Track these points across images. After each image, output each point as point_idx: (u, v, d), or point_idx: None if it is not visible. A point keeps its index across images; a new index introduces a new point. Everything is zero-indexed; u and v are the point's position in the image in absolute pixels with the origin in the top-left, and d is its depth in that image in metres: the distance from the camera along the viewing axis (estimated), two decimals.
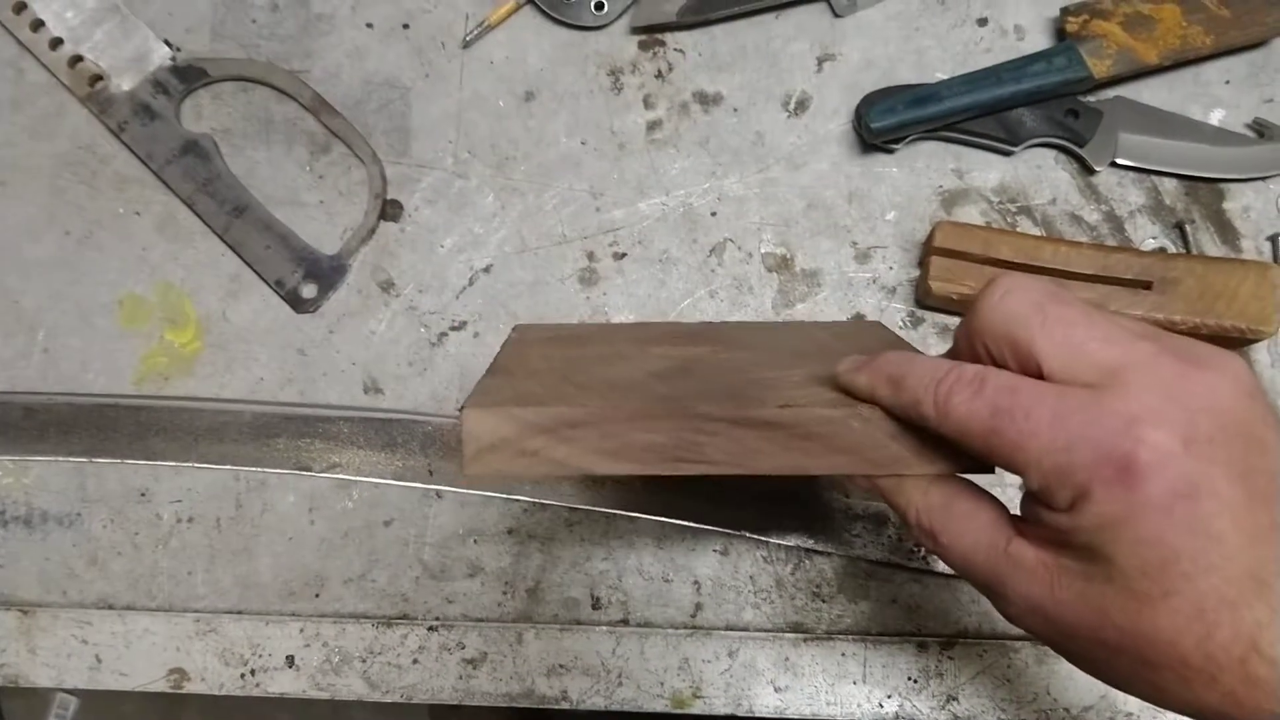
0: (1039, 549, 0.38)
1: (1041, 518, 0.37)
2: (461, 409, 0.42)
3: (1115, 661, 0.36)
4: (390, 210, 0.72)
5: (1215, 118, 0.71)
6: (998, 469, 0.39)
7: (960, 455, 0.41)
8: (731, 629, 0.66)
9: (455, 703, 0.67)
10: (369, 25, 0.74)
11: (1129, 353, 0.36)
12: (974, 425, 0.38)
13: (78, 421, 0.70)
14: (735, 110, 0.72)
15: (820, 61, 0.73)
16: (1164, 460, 0.34)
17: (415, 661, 0.67)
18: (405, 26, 0.74)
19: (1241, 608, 0.33)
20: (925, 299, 0.67)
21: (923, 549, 0.65)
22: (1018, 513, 0.40)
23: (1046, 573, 0.37)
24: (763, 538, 0.66)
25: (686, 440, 0.43)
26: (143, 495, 0.69)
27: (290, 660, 0.67)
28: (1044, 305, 0.38)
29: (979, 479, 0.42)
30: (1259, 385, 0.36)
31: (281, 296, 0.71)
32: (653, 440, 0.43)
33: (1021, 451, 0.36)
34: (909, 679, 0.65)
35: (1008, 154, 0.70)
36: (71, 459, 0.70)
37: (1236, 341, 0.64)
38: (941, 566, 0.65)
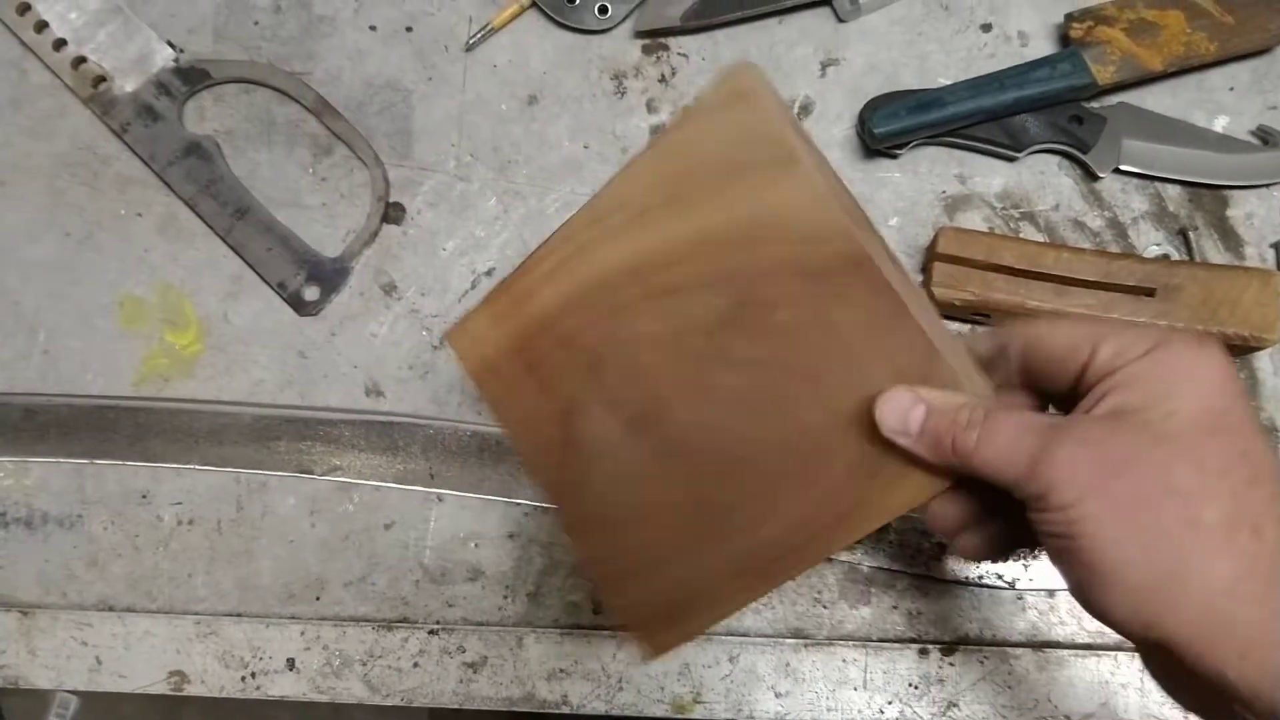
0: (1095, 411, 0.38)
1: (1097, 389, 0.39)
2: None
3: (1171, 494, 0.36)
4: (392, 213, 0.72)
5: (1219, 124, 0.70)
6: None
7: None
8: (732, 634, 0.66)
9: (456, 706, 0.67)
10: (372, 28, 0.74)
11: (1123, 351, 0.39)
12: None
13: (78, 423, 0.70)
14: None
15: (824, 66, 0.73)
16: (1218, 348, 0.38)
17: (416, 665, 0.67)
18: (408, 29, 0.74)
19: (1272, 469, 0.36)
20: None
21: (923, 557, 0.65)
22: None
23: (1103, 419, 0.38)
24: None
25: None
26: (143, 497, 0.69)
27: (291, 663, 0.67)
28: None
29: None
30: (1232, 371, 0.38)
31: (283, 299, 0.71)
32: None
33: (1106, 326, 0.40)
34: (910, 685, 0.65)
35: (1011, 160, 0.70)
36: (72, 460, 0.70)
37: (1239, 349, 0.64)
38: (942, 572, 0.65)
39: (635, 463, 0.48)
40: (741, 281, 0.43)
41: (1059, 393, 0.42)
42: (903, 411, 0.41)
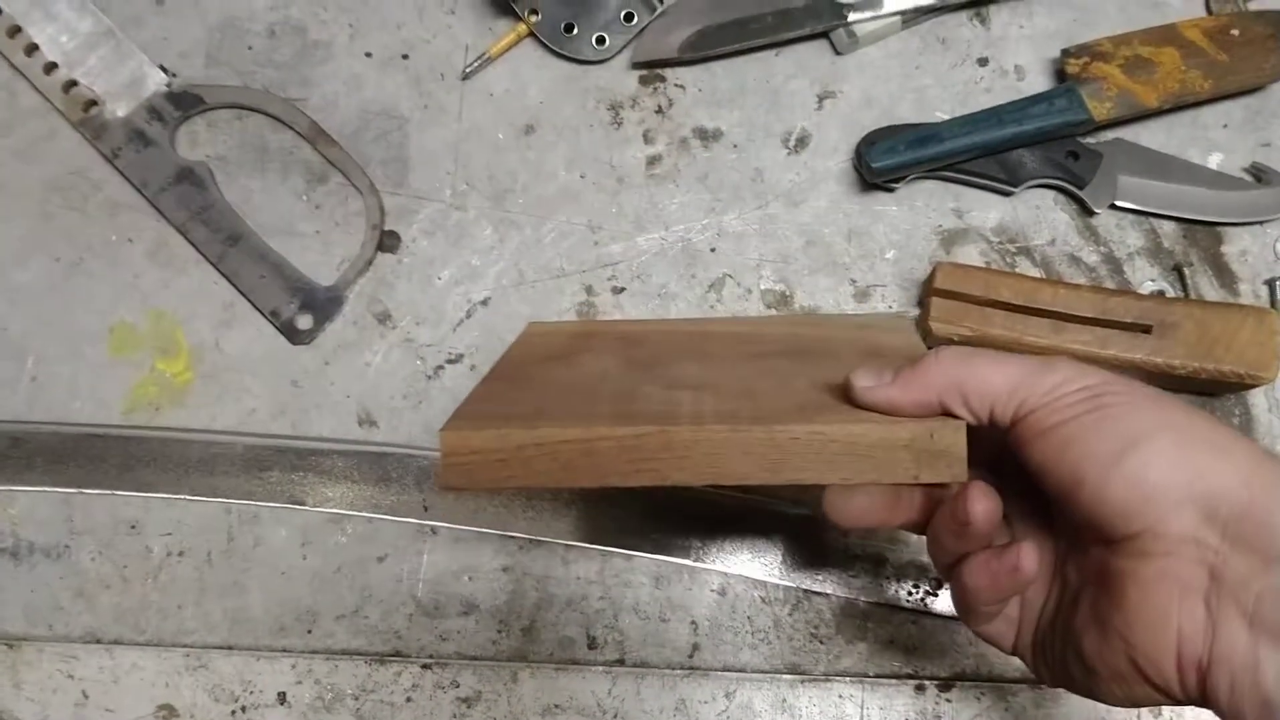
0: None
1: None
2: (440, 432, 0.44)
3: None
4: (387, 241, 0.71)
5: (1213, 161, 0.71)
6: None
7: None
8: (729, 670, 0.66)
9: None
10: (367, 54, 0.74)
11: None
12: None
13: (66, 452, 0.69)
14: (735, 146, 0.72)
15: (820, 99, 0.73)
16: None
17: (409, 700, 0.66)
18: (404, 56, 0.74)
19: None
20: (925, 339, 0.67)
21: (920, 591, 0.65)
22: None
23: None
24: (761, 578, 0.66)
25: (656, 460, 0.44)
26: (132, 527, 0.68)
27: (282, 697, 0.66)
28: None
29: None
30: None
31: (276, 327, 0.70)
32: (619, 466, 0.44)
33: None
34: None
35: (1007, 194, 0.70)
36: (59, 490, 0.69)
37: (1235, 386, 0.64)
38: (939, 607, 0.65)
39: (613, 371, 0.53)
40: (803, 347, 0.56)
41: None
42: (875, 371, 0.43)
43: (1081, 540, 0.42)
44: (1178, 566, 0.37)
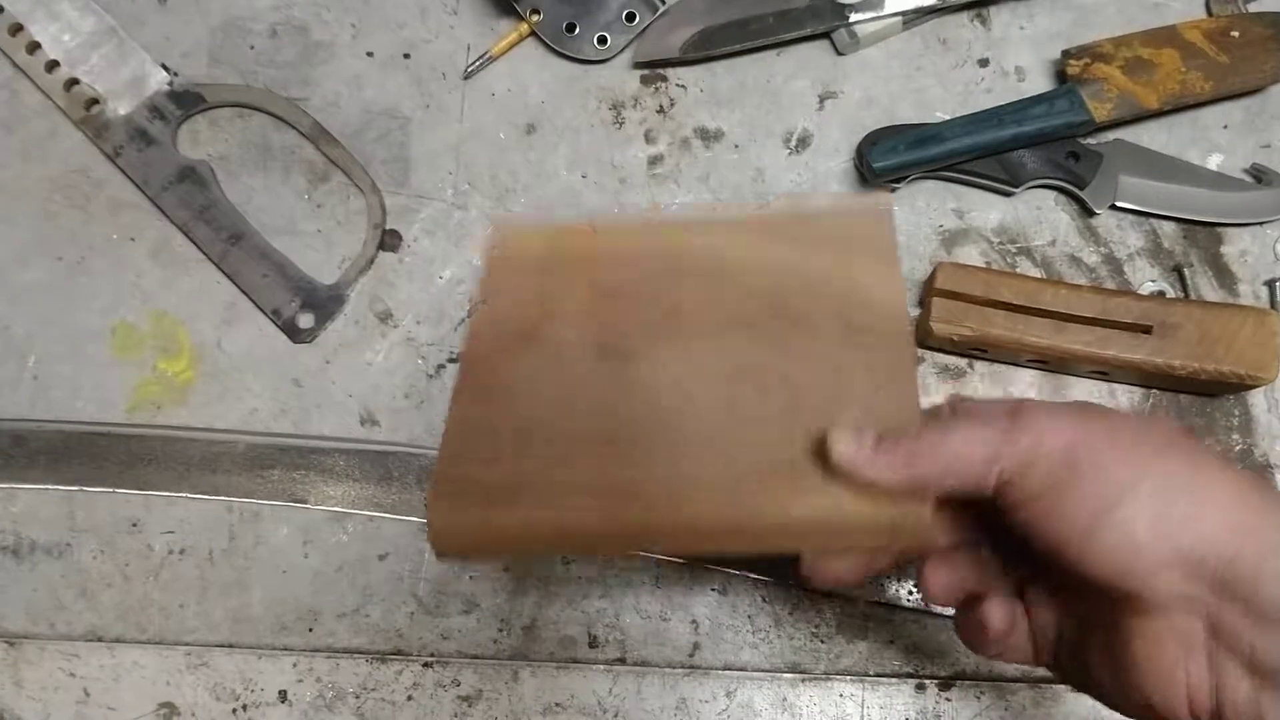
0: None
1: None
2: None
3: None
4: (389, 240, 0.72)
5: (1213, 162, 0.71)
6: None
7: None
8: (729, 669, 0.66)
9: None
10: (369, 54, 0.74)
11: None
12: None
13: (68, 450, 0.69)
14: (736, 146, 0.72)
15: (822, 99, 0.73)
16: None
17: (409, 698, 0.66)
18: (406, 56, 0.74)
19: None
20: (926, 339, 0.67)
21: (920, 591, 0.65)
22: None
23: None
24: (762, 577, 0.66)
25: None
26: (134, 526, 0.68)
27: (283, 695, 0.67)
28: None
29: None
30: None
31: (278, 326, 0.70)
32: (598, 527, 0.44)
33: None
34: None
35: (1008, 195, 0.70)
36: (61, 488, 0.69)
37: (1235, 387, 0.65)
38: (939, 607, 0.65)
39: (587, 377, 0.48)
40: (781, 303, 0.48)
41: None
42: (855, 436, 0.41)
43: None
44: (1175, 623, 0.37)
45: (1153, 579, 0.36)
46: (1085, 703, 0.65)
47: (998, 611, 0.43)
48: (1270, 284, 0.69)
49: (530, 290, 0.52)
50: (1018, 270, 0.70)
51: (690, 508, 0.43)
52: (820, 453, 0.42)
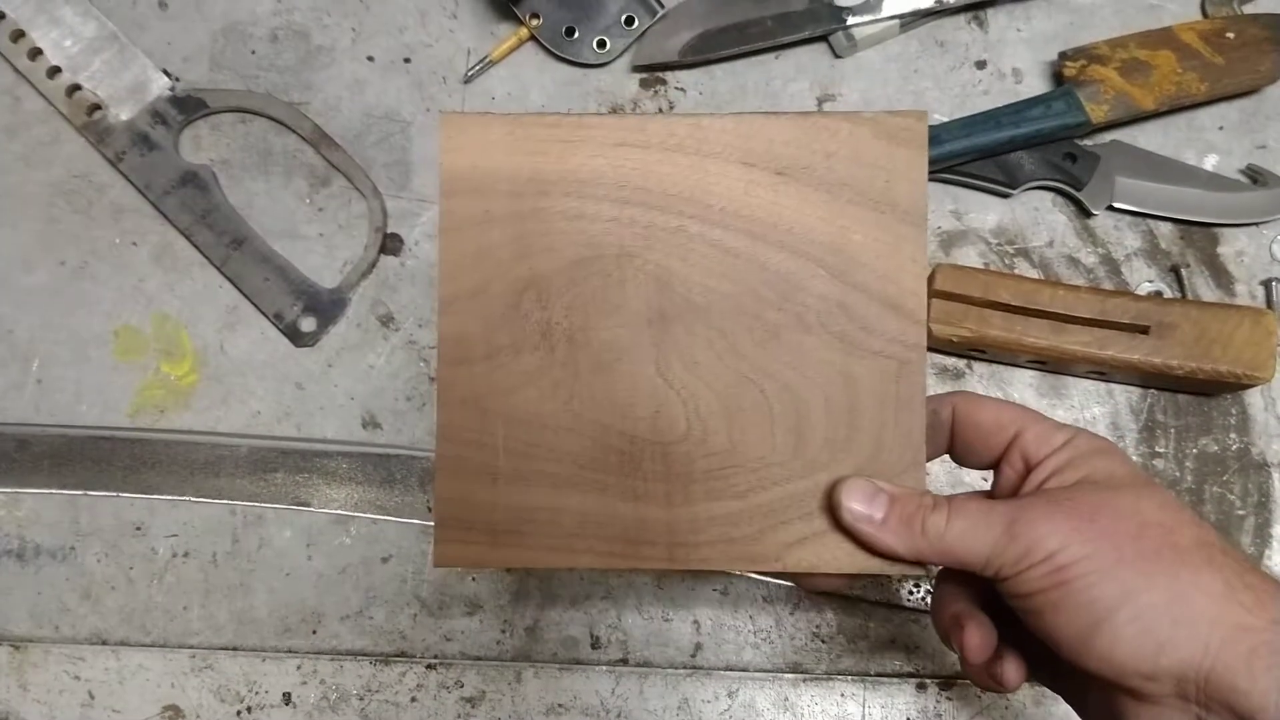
0: (1046, 487, 0.43)
1: (1036, 471, 0.43)
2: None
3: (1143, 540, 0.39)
4: (390, 244, 0.72)
5: (1209, 163, 0.72)
6: None
7: None
8: (731, 669, 0.66)
9: None
10: (370, 58, 0.74)
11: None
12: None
13: (72, 454, 0.69)
14: None
15: (820, 102, 0.73)
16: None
17: (413, 700, 0.67)
18: (406, 60, 0.74)
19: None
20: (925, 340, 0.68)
21: (920, 591, 0.66)
22: None
23: (1059, 491, 0.42)
24: (763, 578, 0.66)
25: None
26: (137, 529, 0.69)
27: (287, 698, 0.67)
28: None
29: None
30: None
31: (280, 330, 0.71)
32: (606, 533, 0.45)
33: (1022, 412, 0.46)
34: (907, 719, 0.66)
35: (1006, 196, 0.71)
36: (65, 492, 0.69)
37: (1232, 386, 0.65)
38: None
39: (577, 388, 0.45)
40: (790, 286, 0.44)
41: (984, 465, 0.47)
42: (867, 497, 0.43)
43: None
44: (1169, 713, 0.38)
45: (1144, 685, 0.38)
46: None
47: (1013, 671, 0.44)
48: (1266, 284, 0.69)
49: (501, 239, 0.45)
50: (1016, 271, 0.70)
51: (698, 554, 0.44)
52: (829, 501, 0.43)
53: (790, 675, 0.66)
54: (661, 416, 0.45)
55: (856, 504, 0.42)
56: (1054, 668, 0.43)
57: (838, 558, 0.44)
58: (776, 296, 0.44)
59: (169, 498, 0.69)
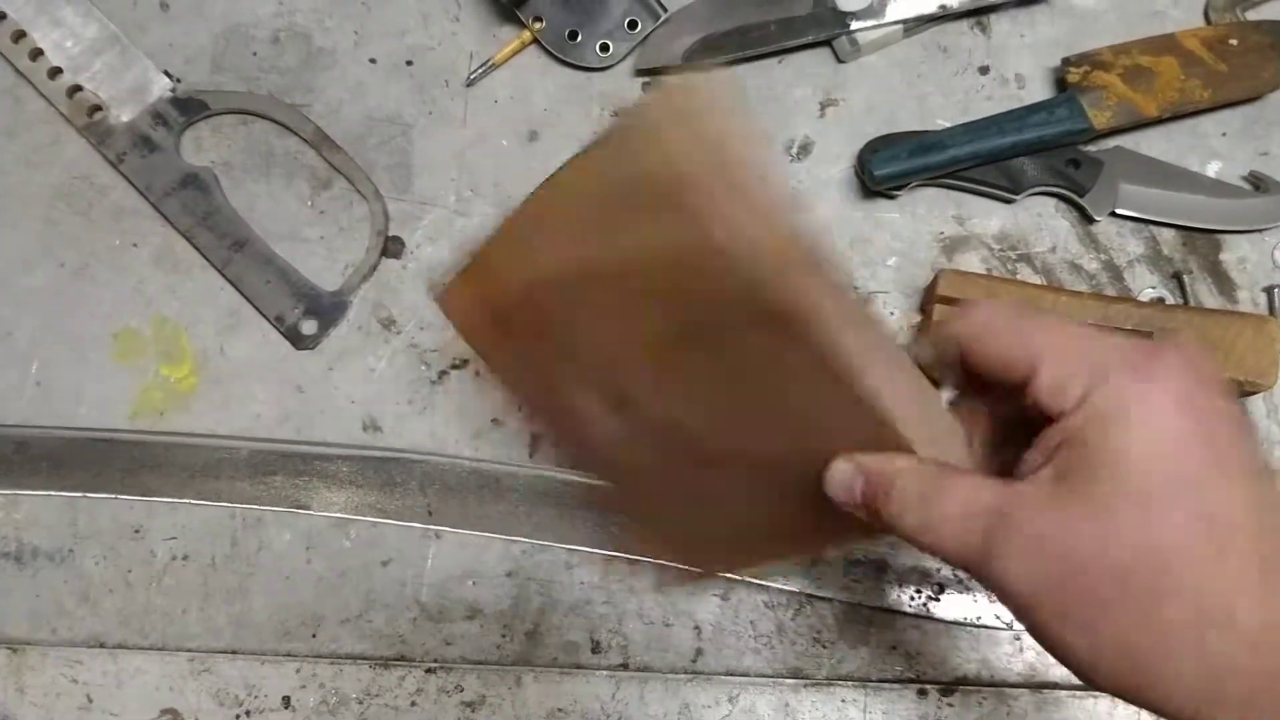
0: (1039, 484, 0.35)
1: (1045, 440, 0.36)
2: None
3: (1122, 600, 0.33)
4: (392, 247, 0.72)
5: (1212, 169, 0.72)
6: None
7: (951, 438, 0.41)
8: (732, 674, 0.66)
9: None
10: (372, 61, 0.74)
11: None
12: (997, 321, 0.38)
13: (70, 456, 0.69)
14: None
15: (823, 107, 0.73)
16: (1178, 369, 0.34)
17: (413, 704, 0.66)
18: (409, 63, 0.74)
19: (1251, 531, 0.32)
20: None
21: (922, 596, 0.66)
22: None
23: (1048, 500, 0.35)
24: (764, 582, 0.66)
25: None
26: (136, 532, 0.68)
27: (286, 701, 0.67)
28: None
29: None
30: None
31: (281, 332, 0.70)
32: None
33: (1041, 339, 0.36)
34: None
35: (1009, 202, 0.71)
36: (64, 494, 0.69)
37: (1234, 393, 0.65)
38: (941, 612, 0.65)
39: (622, 436, 0.47)
40: (698, 305, 0.40)
41: (1008, 392, 0.38)
42: (846, 485, 0.40)
43: None
44: None
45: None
46: (1087, 708, 0.65)
47: None
48: (1269, 291, 0.69)
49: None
50: (1018, 277, 0.70)
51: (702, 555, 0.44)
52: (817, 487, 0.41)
53: (791, 681, 0.66)
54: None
55: (838, 493, 0.40)
56: None
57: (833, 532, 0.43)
58: None
59: (168, 500, 0.68)
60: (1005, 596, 0.36)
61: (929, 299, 0.67)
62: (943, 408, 0.42)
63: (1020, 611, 0.35)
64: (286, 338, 0.70)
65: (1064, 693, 0.65)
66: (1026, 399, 0.37)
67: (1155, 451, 0.33)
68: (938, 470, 0.38)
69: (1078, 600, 0.34)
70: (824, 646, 0.66)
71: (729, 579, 0.66)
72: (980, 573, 0.36)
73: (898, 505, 0.38)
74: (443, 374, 0.70)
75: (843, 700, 0.66)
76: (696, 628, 0.66)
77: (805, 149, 0.72)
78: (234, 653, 0.67)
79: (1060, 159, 0.70)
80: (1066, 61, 0.71)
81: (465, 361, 0.70)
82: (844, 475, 0.40)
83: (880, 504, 0.39)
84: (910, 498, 0.38)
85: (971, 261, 0.71)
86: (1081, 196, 0.70)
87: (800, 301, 0.37)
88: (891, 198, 0.71)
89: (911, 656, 0.66)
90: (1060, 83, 0.72)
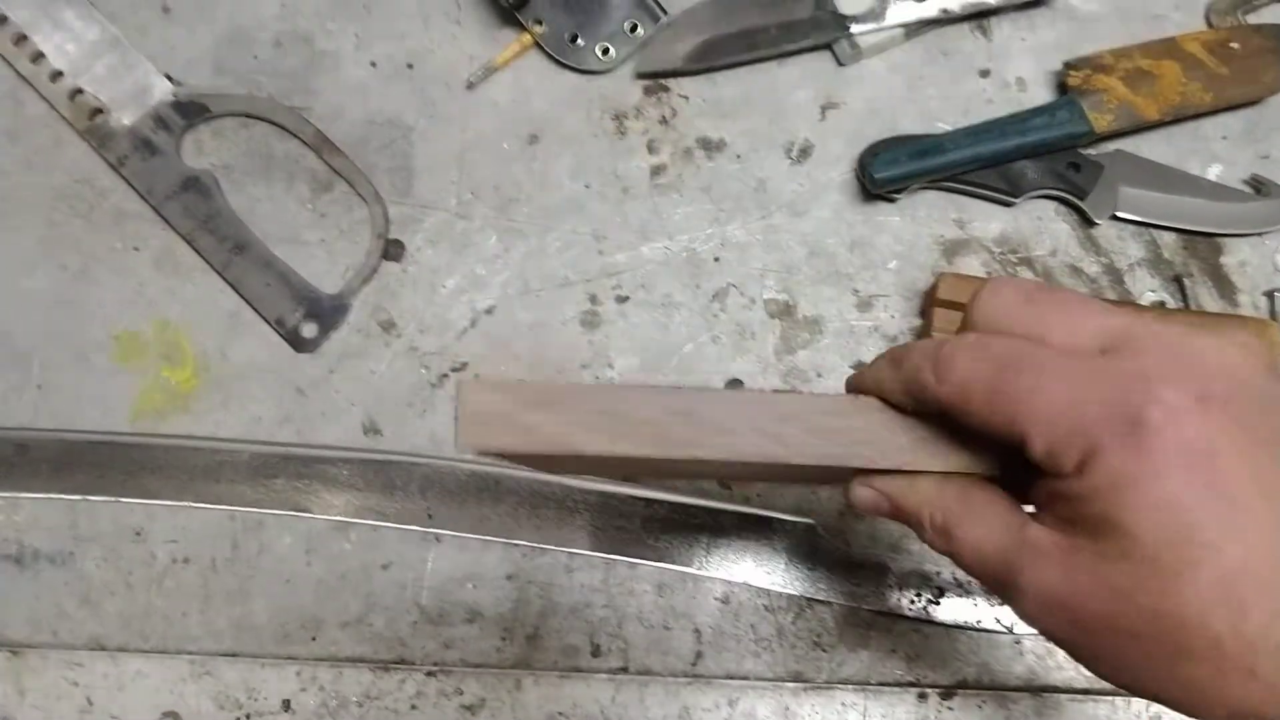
0: (1054, 532, 0.35)
1: (1052, 490, 0.35)
2: (458, 384, 0.42)
3: (1144, 655, 0.33)
4: (392, 250, 0.72)
5: (1213, 173, 0.72)
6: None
7: (962, 450, 0.40)
8: (732, 678, 0.66)
9: None
10: (372, 64, 0.74)
11: (1133, 320, 0.35)
12: (976, 385, 0.35)
13: (71, 459, 0.69)
14: (738, 157, 0.73)
15: (824, 110, 0.73)
16: (1178, 417, 0.31)
17: (413, 707, 0.66)
18: (409, 66, 0.74)
19: (1275, 586, 0.31)
20: None
21: (922, 600, 0.66)
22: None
23: (1063, 555, 0.34)
24: (764, 586, 0.66)
25: (676, 422, 0.41)
26: (137, 534, 0.68)
27: (286, 704, 0.67)
28: (1034, 293, 0.37)
29: None
30: (1269, 352, 0.34)
31: (281, 335, 0.70)
32: (646, 416, 0.41)
33: (1026, 409, 0.34)
34: None
35: (1009, 205, 0.71)
36: (64, 496, 0.69)
37: None
38: (941, 616, 0.65)
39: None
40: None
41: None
42: (872, 505, 0.42)
43: None
44: None
45: None
46: (1087, 712, 0.65)
47: None
48: (1270, 294, 0.69)
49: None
50: None
51: None
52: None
53: (791, 684, 0.66)
54: None
55: (865, 510, 0.42)
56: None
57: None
58: None
59: (169, 503, 0.68)
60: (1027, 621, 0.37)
61: (929, 302, 0.67)
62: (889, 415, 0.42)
63: (1055, 642, 0.37)
64: (287, 340, 0.71)
65: (1064, 696, 0.65)
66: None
67: (1162, 523, 0.32)
68: (958, 497, 0.39)
69: (1096, 649, 0.35)
70: (824, 650, 0.66)
71: (728, 581, 0.66)
72: (1007, 596, 0.37)
73: (929, 535, 0.40)
74: (443, 377, 0.70)
75: (843, 704, 0.66)
76: (696, 631, 0.66)
77: (805, 152, 0.72)
78: (234, 655, 0.67)
79: (1061, 162, 0.70)
80: (1067, 65, 0.71)
81: (465, 365, 0.70)
82: (868, 497, 0.42)
83: (912, 527, 0.41)
84: (936, 533, 0.39)
85: (972, 265, 0.71)
86: (1082, 200, 0.70)
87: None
88: (892, 201, 0.71)
89: (911, 660, 0.66)
90: (1061, 86, 0.72)
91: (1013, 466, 0.38)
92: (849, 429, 0.41)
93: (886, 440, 0.41)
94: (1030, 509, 0.38)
